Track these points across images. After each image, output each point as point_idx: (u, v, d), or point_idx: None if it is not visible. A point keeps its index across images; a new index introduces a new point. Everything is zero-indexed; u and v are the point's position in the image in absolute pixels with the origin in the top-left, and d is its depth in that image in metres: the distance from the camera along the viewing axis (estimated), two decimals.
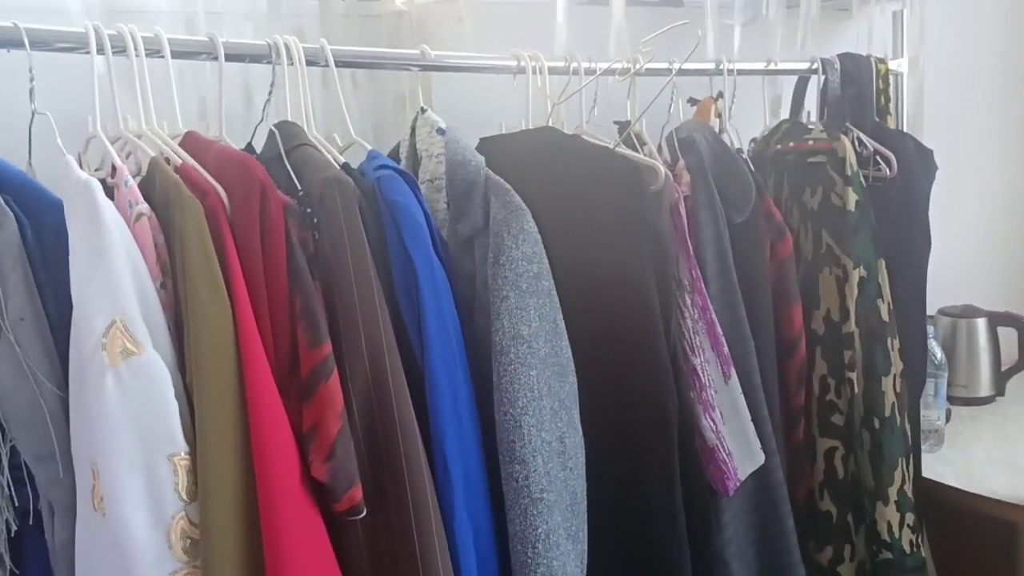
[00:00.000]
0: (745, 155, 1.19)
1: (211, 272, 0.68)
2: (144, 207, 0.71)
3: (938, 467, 1.52)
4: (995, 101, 1.91)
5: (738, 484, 0.98)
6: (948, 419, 1.67)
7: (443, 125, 0.99)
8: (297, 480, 0.67)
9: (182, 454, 0.65)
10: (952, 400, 1.73)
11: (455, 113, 1.27)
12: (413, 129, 1.03)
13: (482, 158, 0.93)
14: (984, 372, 1.77)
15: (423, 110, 1.02)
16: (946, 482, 1.46)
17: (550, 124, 1.07)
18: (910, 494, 1.11)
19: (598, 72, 1.05)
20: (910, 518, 1.11)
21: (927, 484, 1.47)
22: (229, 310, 0.68)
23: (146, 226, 0.70)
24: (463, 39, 1.26)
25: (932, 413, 1.58)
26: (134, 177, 0.75)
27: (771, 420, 1.07)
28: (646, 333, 0.93)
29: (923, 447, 1.55)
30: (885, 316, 1.11)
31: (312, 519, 0.68)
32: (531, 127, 1.07)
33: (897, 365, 1.12)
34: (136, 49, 0.79)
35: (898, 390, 1.11)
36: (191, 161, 0.77)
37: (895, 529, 1.10)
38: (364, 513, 0.71)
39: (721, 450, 0.98)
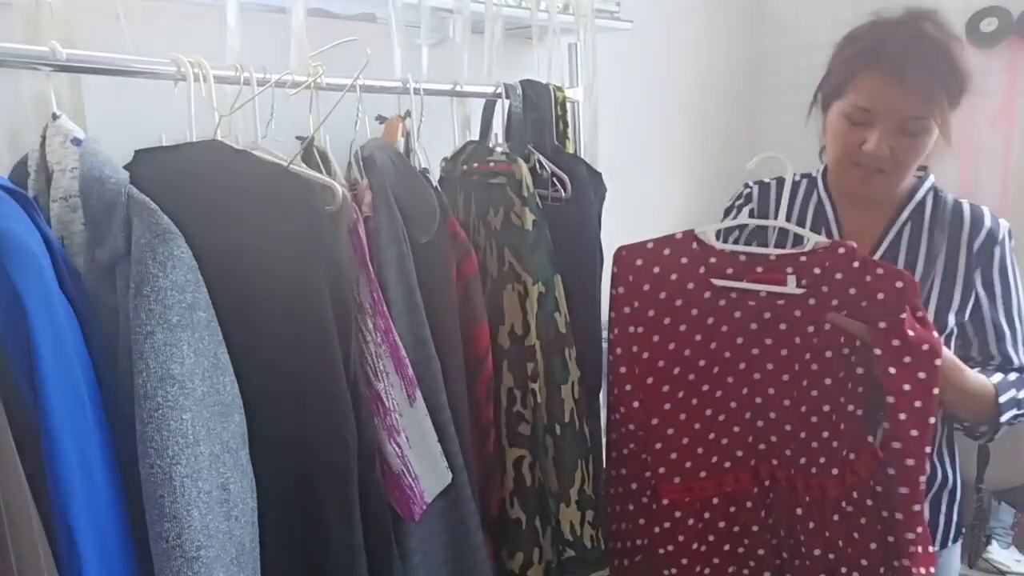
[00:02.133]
0: (432, 175, 1.20)
1: None
2: None
3: None
4: (661, 128, 2.17)
5: (424, 508, 0.98)
6: None
7: (80, 135, 0.86)
8: None
9: None
10: None
11: (113, 122, 1.12)
12: (44, 138, 0.88)
13: (125, 174, 0.82)
14: None
15: (55, 116, 0.88)
16: None
17: (218, 137, 0.98)
18: (590, 492, 1.19)
19: (268, 84, 0.99)
20: (590, 515, 1.19)
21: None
22: None
23: None
24: (123, 39, 1.12)
25: None
26: None
27: (461, 436, 1.08)
28: (323, 362, 0.88)
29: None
30: (563, 328, 1.19)
31: None
32: (196, 140, 0.97)
33: (575, 373, 1.19)
34: None
35: (577, 396, 1.19)
36: None
37: (577, 527, 1.17)
38: None
39: (407, 475, 0.97)
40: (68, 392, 0.69)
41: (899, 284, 1.00)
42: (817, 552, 1.10)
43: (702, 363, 1.13)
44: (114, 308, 0.79)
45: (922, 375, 1.00)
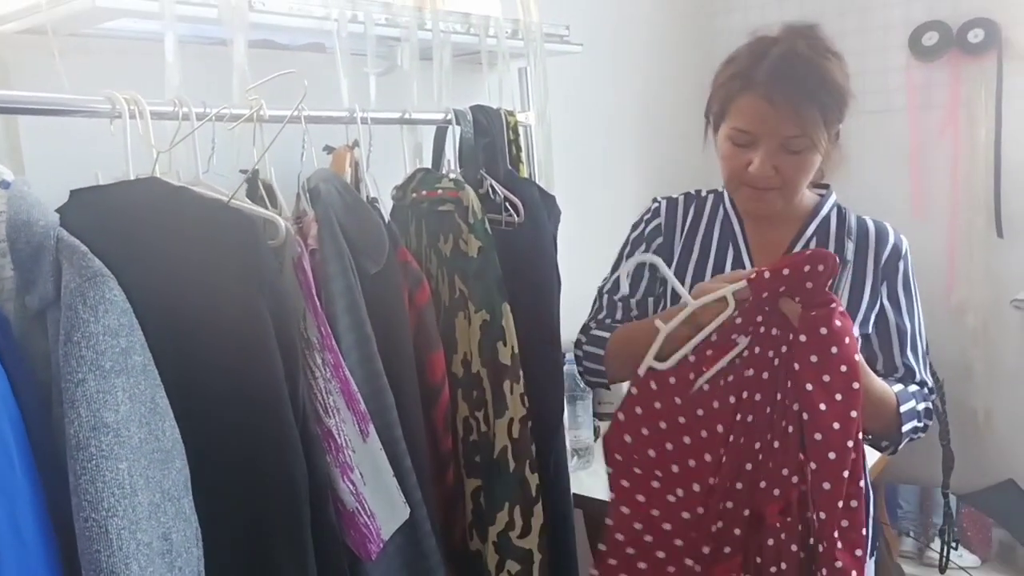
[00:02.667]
0: (382, 204, 1.18)
1: None
2: None
3: (589, 482, 1.66)
4: (614, 149, 2.18)
5: (381, 546, 0.95)
6: (598, 436, 1.84)
7: (9, 177, 0.84)
8: None
9: None
10: (601, 416, 1.91)
11: (51, 162, 1.09)
12: None
13: (55, 217, 0.80)
14: (626, 386, 1.97)
15: None
16: (596, 496, 1.60)
17: (156, 174, 0.96)
18: (518, 544, 1.13)
19: (207, 118, 0.97)
20: (513, 566, 1.12)
21: (582, 500, 1.60)
22: None
23: None
24: (59, 77, 1.09)
25: (582, 432, 1.73)
26: None
27: (420, 469, 1.06)
28: (269, 400, 0.86)
29: (575, 464, 1.68)
30: (506, 360, 1.16)
31: None
32: (134, 178, 0.94)
33: (517, 410, 1.15)
34: None
35: (515, 435, 1.14)
36: None
37: (491, 571, 1.13)
38: None
39: (362, 513, 0.94)
40: None
41: (821, 267, 0.97)
42: None
43: (700, 461, 1.05)
44: (46, 356, 0.77)
45: (843, 368, 0.97)
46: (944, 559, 2.13)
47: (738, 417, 1.05)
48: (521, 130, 1.48)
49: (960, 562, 2.14)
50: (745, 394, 1.04)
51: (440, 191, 1.21)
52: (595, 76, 2.05)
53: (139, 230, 0.86)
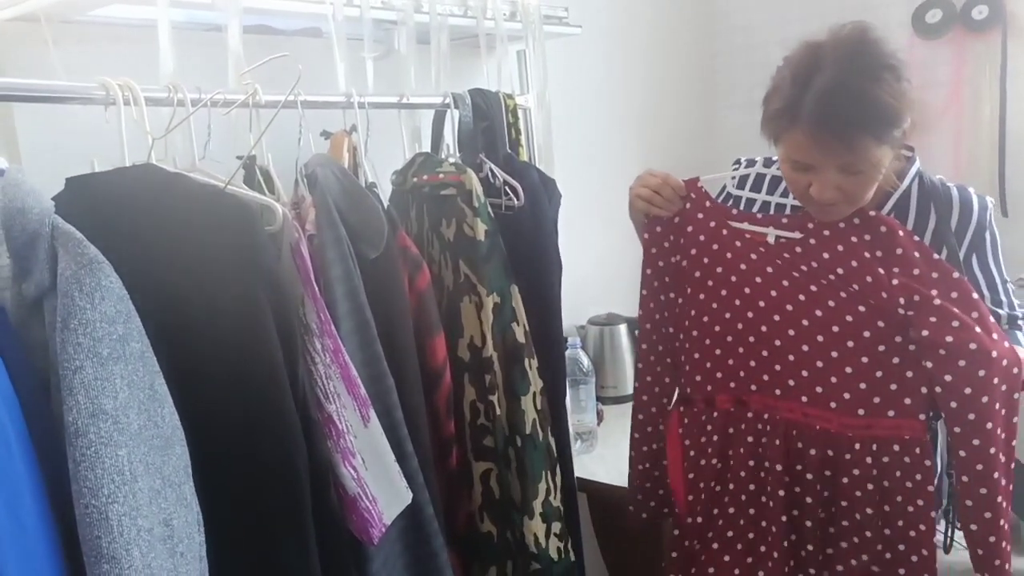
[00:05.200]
0: (380, 189, 1.18)
1: None
2: None
3: (592, 466, 1.66)
4: (615, 132, 2.17)
5: (383, 531, 0.95)
6: (601, 419, 1.84)
7: (3, 165, 0.83)
8: None
9: None
10: (604, 400, 1.91)
11: (47, 149, 1.09)
12: None
13: (50, 204, 0.79)
14: (628, 371, 1.98)
15: None
16: (599, 480, 1.61)
17: (152, 161, 0.95)
18: (556, 504, 1.18)
19: (201, 103, 0.96)
20: (556, 527, 1.17)
21: (586, 483, 1.60)
22: None
23: None
24: (53, 65, 1.09)
25: (585, 416, 1.73)
26: None
27: (421, 453, 1.06)
28: (268, 386, 0.86)
29: (579, 448, 1.68)
30: (521, 338, 1.17)
31: None
32: (130, 165, 0.94)
33: (536, 383, 1.18)
34: None
35: (539, 407, 1.17)
36: None
37: (542, 540, 1.15)
38: None
39: (364, 498, 0.94)
40: None
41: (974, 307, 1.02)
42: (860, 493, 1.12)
43: (736, 302, 1.13)
44: (44, 344, 0.76)
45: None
46: (948, 539, 2.12)
47: (774, 293, 1.10)
48: (520, 113, 1.47)
49: (964, 542, 2.14)
50: (786, 282, 1.09)
51: (441, 175, 1.20)
52: (595, 58, 2.04)
53: (135, 217, 0.86)
